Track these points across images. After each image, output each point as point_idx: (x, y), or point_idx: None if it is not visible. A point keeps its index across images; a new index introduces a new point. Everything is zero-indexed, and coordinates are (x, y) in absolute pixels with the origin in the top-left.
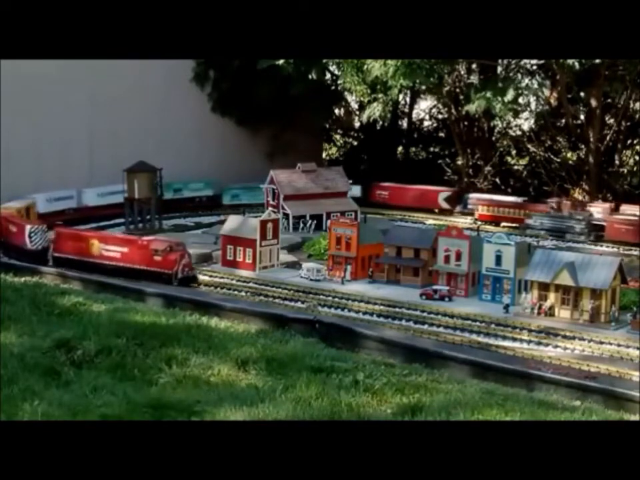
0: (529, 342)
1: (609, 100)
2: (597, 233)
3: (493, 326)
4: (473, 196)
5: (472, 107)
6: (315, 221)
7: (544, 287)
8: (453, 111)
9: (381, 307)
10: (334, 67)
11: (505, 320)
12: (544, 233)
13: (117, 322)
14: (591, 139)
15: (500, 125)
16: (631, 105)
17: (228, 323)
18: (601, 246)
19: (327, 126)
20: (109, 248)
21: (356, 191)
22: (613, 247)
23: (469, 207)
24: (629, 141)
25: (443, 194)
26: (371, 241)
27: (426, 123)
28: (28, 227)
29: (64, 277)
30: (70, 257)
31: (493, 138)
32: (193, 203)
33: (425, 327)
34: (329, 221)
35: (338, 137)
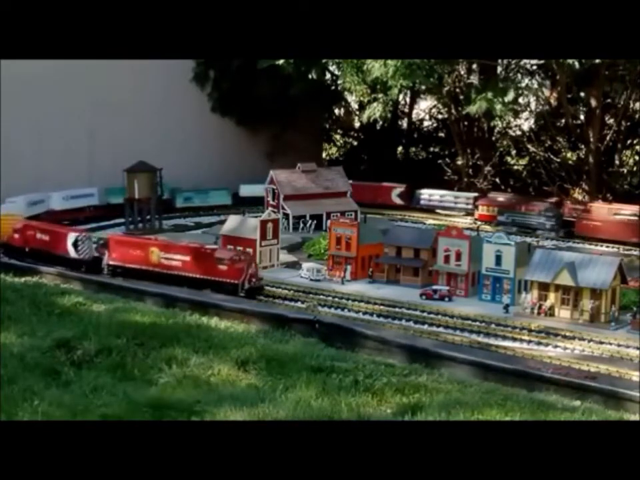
0: (529, 342)
1: (609, 100)
2: (566, 229)
3: (492, 326)
4: (425, 191)
5: (472, 108)
6: (315, 221)
7: (544, 287)
8: (453, 111)
9: (381, 307)
10: (334, 67)
11: (505, 320)
12: (515, 229)
13: (116, 322)
14: (591, 139)
15: (500, 125)
16: (631, 105)
17: (228, 323)
18: (601, 246)
19: (327, 126)
20: (170, 256)
21: (253, 190)
22: (612, 247)
23: (421, 202)
24: (628, 141)
25: (395, 190)
26: (371, 240)
27: (426, 123)
28: (72, 235)
29: (64, 277)
30: (127, 265)
31: (493, 138)
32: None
33: (425, 327)
34: (328, 221)
35: (338, 136)
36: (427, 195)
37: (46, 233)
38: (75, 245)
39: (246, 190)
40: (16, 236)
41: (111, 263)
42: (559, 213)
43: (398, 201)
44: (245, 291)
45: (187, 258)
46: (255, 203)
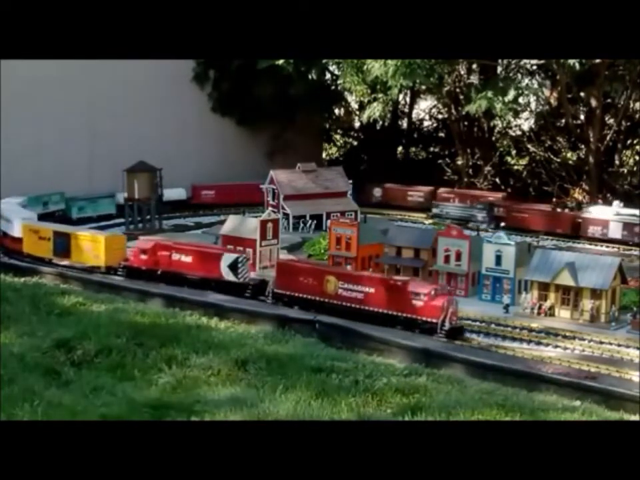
0: (529, 342)
1: (609, 100)
2: (497, 221)
3: (492, 326)
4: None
5: (472, 107)
6: (315, 221)
7: (544, 287)
8: (453, 111)
9: None
10: (334, 67)
11: (505, 320)
12: (449, 221)
13: (117, 322)
14: (591, 139)
15: (500, 125)
16: (631, 105)
17: (228, 323)
18: (601, 246)
19: (327, 126)
20: (350, 287)
21: (180, 193)
22: (613, 247)
23: None
24: (629, 141)
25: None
26: (371, 241)
27: (426, 123)
28: (229, 256)
29: (64, 277)
30: (296, 294)
31: (493, 138)
32: (54, 217)
33: None
34: (328, 221)
35: (338, 137)
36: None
37: (187, 253)
38: (234, 267)
39: (171, 194)
40: (143, 257)
41: (277, 291)
42: (490, 206)
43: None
44: (445, 331)
45: (372, 290)
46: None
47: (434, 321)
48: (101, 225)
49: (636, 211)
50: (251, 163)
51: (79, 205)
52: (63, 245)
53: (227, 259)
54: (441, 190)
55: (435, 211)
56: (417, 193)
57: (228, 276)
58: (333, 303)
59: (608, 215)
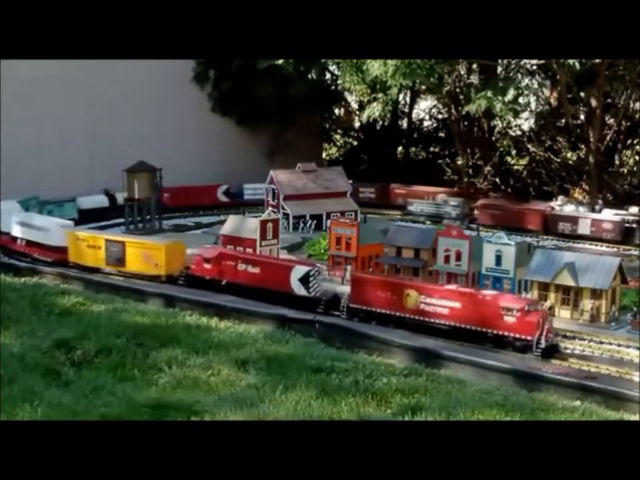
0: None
1: (609, 100)
2: (470, 218)
3: None
4: (249, 186)
5: (472, 107)
6: (315, 221)
7: (544, 287)
8: (453, 111)
9: None
10: (334, 67)
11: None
12: (423, 218)
13: (117, 322)
14: (591, 139)
15: (500, 125)
16: (631, 105)
17: (228, 322)
18: (601, 246)
19: (327, 126)
20: (432, 301)
21: None
22: (613, 247)
23: (246, 198)
24: (629, 141)
25: (221, 188)
26: (371, 240)
27: (426, 123)
28: (300, 268)
29: (64, 277)
30: (373, 309)
31: (493, 138)
32: None
33: None
34: (328, 221)
35: (338, 136)
36: (252, 189)
37: (255, 264)
38: (305, 280)
39: (85, 202)
40: (207, 266)
41: (353, 305)
42: (464, 203)
43: (224, 199)
44: (540, 350)
45: (457, 304)
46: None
47: (528, 338)
48: (100, 224)
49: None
50: (251, 163)
51: (48, 209)
52: (116, 254)
53: (298, 271)
54: (393, 186)
55: (409, 208)
56: (367, 189)
57: (299, 290)
58: (414, 318)
59: (580, 212)
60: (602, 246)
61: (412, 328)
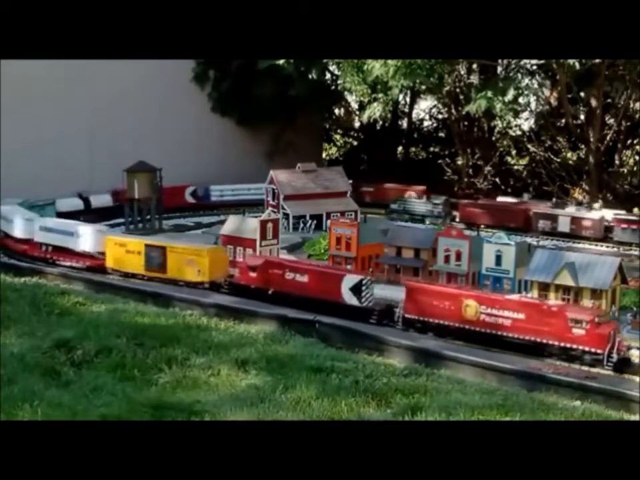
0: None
1: (609, 100)
2: (453, 216)
3: None
4: (215, 187)
5: (472, 107)
6: (315, 221)
7: (544, 287)
8: (453, 111)
9: None
10: (334, 66)
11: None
12: (407, 217)
13: (116, 322)
14: (591, 139)
15: (500, 125)
16: (631, 105)
17: (228, 323)
18: (601, 246)
19: (327, 126)
20: (494, 312)
21: (105, 200)
22: (613, 247)
23: (212, 199)
24: (629, 141)
25: (189, 189)
26: (371, 240)
27: (426, 123)
28: (351, 278)
29: (64, 277)
30: (431, 320)
31: (493, 138)
32: None
33: None
34: (328, 221)
35: (338, 136)
36: (219, 190)
37: (304, 272)
38: (357, 289)
39: (62, 205)
40: (252, 274)
41: (408, 315)
42: (446, 201)
43: (191, 200)
44: (613, 364)
45: (520, 315)
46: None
47: (599, 352)
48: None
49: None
50: (251, 163)
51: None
52: (156, 259)
53: (349, 280)
54: (360, 184)
55: (392, 207)
56: None
57: (350, 300)
58: (474, 329)
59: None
60: (602, 246)
61: (472, 339)
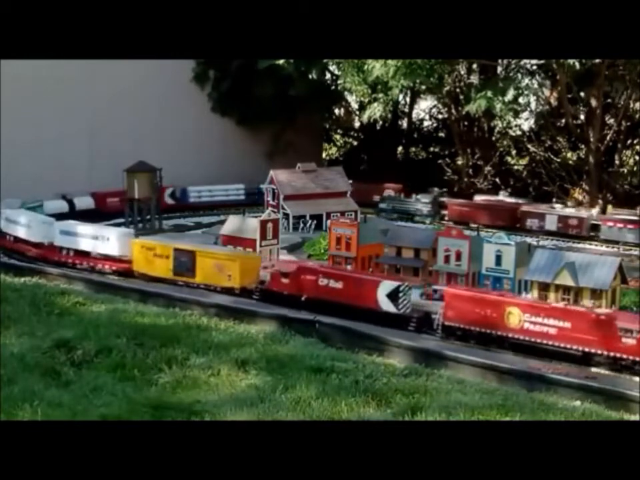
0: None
1: (609, 100)
2: (441, 214)
3: None
4: (193, 189)
5: (472, 107)
6: (315, 221)
7: (544, 287)
8: (453, 111)
9: None
10: (334, 66)
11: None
12: (396, 215)
13: (116, 322)
14: (591, 139)
15: (500, 125)
16: (631, 105)
17: (228, 322)
18: (601, 246)
19: (327, 126)
20: (538, 320)
21: (88, 202)
22: (613, 247)
23: (191, 200)
24: (629, 141)
25: (168, 190)
26: (371, 240)
27: (426, 123)
28: (388, 284)
29: (64, 277)
30: (473, 328)
31: (493, 138)
32: None
33: None
34: (328, 221)
35: (338, 136)
36: (196, 192)
37: (338, 279)
38: (394, 296)
39: (49, 207)
40: (284, 281)
41: (448, 323)
42: (435, 200)
43: (170, 201)
44: None
45: (566, 324)
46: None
47: None
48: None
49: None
50: (251, 163)
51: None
52: (186, 264)
53: (386, 286)
54: None
55: (381, 205)
56: None
57: (387, 306)
58: (517, 338)
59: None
60: (602, 246)
61: (515, 349)
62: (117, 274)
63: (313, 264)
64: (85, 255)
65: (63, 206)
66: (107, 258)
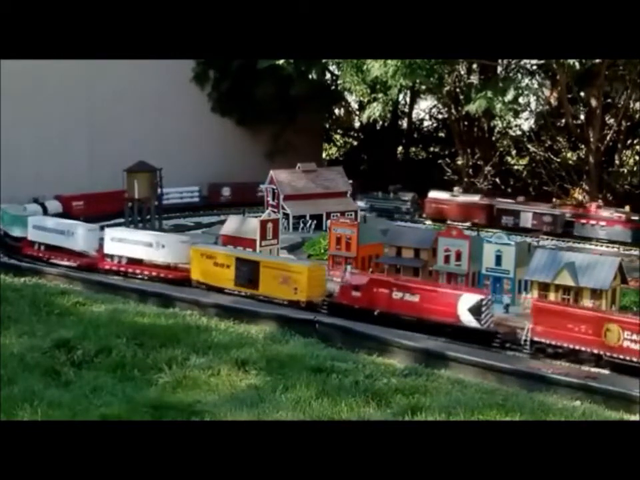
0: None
1: (609, 100)
2: (420, 212)
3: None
4: (168, 190)
5: (472, 107)
6: (315, 221)
7: (544, 287)
8: (453, 111)
9: None
10: (334, 66)
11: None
12: (375, 214)
13: (116, 322)
14: (591, 139)
15: (500, 125)
16: (631, 105)
17: (228, 322)
18: (601, 246)
19: (327, 126)
20: (637, 337)
21: (56, 206)
22: (613, 247)
23: (171, 201)
24: (629, 141)
25: None
26: (371, 241)
27: (426, 123)
28: (470, 297)
29: (64, 277)
30: (566, 345)
31: (493, 138)
32: None
33: None
34: (328, 221)
35: (338, 136)
36: (178, 192)
37: (414, 292)
38: (476, 310)
39: (30, 210)
40: (356, 294)
41: (537, 339)
42: (413, 198)
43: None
44: None
45: None
46: None
47: None
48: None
49: None
50: (251, 163)
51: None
52: (248, 274)
53: (467, 300)
54: None
55: (359, 204)
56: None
57: (468, 321)
58: (617, 357)
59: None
60: (602, 246)
61: (615, 368)
62: (173, 284)
63: (386, 276)
64: (137, 262)
65: (37, 210)
66: (163, 267)
